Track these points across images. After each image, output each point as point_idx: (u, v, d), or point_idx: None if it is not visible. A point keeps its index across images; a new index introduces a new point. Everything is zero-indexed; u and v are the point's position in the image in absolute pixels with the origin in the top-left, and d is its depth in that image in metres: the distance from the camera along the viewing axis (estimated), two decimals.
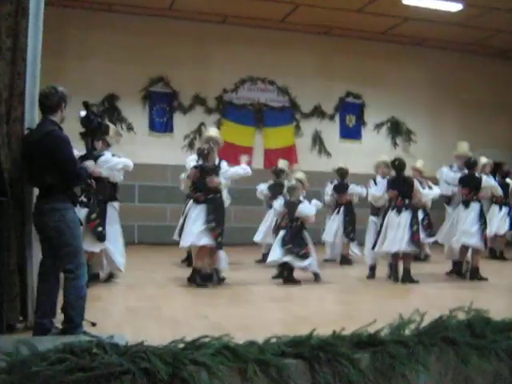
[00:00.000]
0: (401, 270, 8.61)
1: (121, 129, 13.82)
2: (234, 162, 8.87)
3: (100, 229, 7.21)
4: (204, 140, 8.64)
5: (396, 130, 16.13)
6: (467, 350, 3.98)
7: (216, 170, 8.10)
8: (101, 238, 7.26)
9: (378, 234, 8.65)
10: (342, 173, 10.98)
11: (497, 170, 11.91)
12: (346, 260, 10.74)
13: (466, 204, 9.03)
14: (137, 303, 6.58)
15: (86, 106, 4.90)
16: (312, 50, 15.18)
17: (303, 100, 15.43)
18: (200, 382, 3.28)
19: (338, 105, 15.86)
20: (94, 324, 5.06)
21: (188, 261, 9.45)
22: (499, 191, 9.60)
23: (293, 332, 3.87)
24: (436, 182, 10.08)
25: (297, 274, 8.38)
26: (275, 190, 10.07)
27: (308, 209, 8.46)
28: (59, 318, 4.72)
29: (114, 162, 7.54)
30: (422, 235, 9.24)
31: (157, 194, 13.82)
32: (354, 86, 15.75)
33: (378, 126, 16.13)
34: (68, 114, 4.77)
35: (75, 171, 4.58)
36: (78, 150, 5.53)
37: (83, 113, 4.88)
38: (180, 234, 8.36)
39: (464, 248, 9.03)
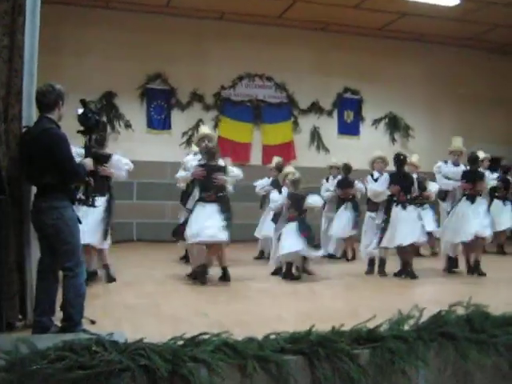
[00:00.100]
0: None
1: (119, 126, 13.82)
2: (233, 158, 8.89)
3: None
4: (198, 138, 8.59)
5: (394, 125, 16.11)
6: (466, 344, 3.99)
7: (223, 168, 8.17)
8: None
9: (383, 229, 8.63)
10: (347, 168, 11.09)
11: (495, 164, 11.92)
12: (354, 256, 10.85)
13: (472, 199, 9.01)
14: (136, 300, 6.58)
15: (84, 103, 4.89)
16: (309, 46, 15.15)
17: (301, 96, 15.40)
18: (200, 378, 3.29)
19: (335, 101, 15.84)
20: (93, 322, 5.06)
21: (186, 258, 9.45)
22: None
23: (292, 328, 3.88)
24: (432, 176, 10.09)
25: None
26: (279, 186, 10.00)
27: (317, 200, 8.81)
28: (58, 316, 4.72)
29: (124, 162, 7.72)
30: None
31: (155, 191, 13.79)
32: (351, 81, 15.73)
33: (376, 122, 16.11)
34: (65, 111, 4.76)
35: (73, 169, 4.57)
36: (75, 147, 5.54)
37: (81, 110, 4.86)
38: (180, 232, 8.26)
39: (468, 243, 9.01)
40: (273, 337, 3.73)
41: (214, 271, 8.26)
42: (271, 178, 10.55)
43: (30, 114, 4.90)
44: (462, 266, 9.23)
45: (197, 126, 13.96)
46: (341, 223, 10.74)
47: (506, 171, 12.11)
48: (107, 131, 7.77)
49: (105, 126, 5.04)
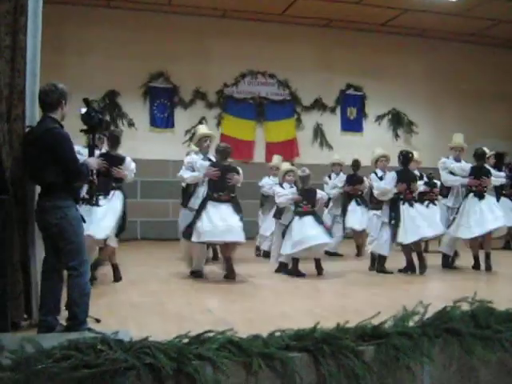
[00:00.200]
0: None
1: (122, 125, 13.83)
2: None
3: None
4: (199, 137, 8.45)
5: (397, 121, 16.11)
6: (471, 340, 3.99)
7: (235, 168, 8.22)
8: None
9: (395, 226, 8.62)
10: (356, 165, 11.19)
11: (499, 160, 11.87)
12: (360, 252, 10.92)
13: (479, 195, 9.02)
14: (140, 299, 6.59)
15: (87, 102, 4.89)
16: (312, 43, 15.15)
17: (304, 93, 15.40)
18: (205, 376, 3.29)
19: (338, 97, 15.84)
20: (98, 320, 5.07)
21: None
22: None
23: (297, 325, 3.88)
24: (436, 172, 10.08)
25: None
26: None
27: (324, 194, 9.19)
28: (63, 315, 4.73)
29: (133, 165, 7.87)
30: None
31: (159, 189, 13.82)
32: (354, 78, 15.72)
33: (380, 118, 16.10)
34: (68, 111, 4.77)
35: (76, 168, 4.58)
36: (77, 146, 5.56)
37: (84, 109, 4.87)
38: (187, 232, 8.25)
39: (476, 239, 9.04)
40: (277, 334, 3.73)
41: (219, 269, 8.29)
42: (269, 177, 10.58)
43: (33, 113, 4.91)
44: (458, 262, 9.25)
45: (200, 124, 13.96)
46: (357, 216, 10.71)
47: (511, 168, 12.08)
48: (121, 132, 7.93)
49: (108, 125, 5.04)
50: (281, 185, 9.10)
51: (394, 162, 9.37)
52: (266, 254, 10.14)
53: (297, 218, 8.50)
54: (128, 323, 5.25)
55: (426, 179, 10.56)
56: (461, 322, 4.08)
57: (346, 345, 3.68)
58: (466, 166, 9.21)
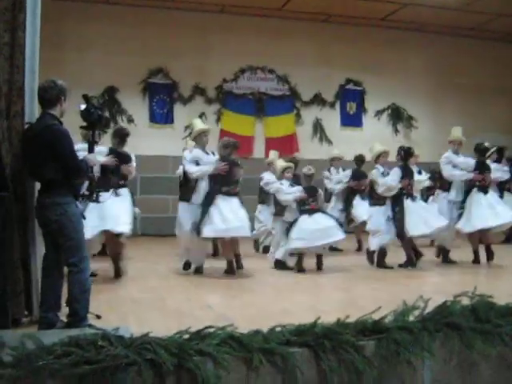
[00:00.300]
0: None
1: (121, 121, 13.82)
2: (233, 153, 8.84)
3: None
4: (199, 132, 8.30)
5: (397, 116, 16.09)
6: (471, 335, 3.99)
7: (239, 163, 8.32)
8: None
9: (399, 220, 8.65)
10: (361, 160, 11.26)
11: (499, 155, 11.87)
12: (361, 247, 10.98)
13: (484, 190, 9.06)
14: (141, 295, 6.60)
15: (86, 99, 4.89)
16: (311, 38, 15.12)
17: (303, 88, 15.39)
18: (206, 372, 3.30)
19: (338, 92, 15.82)
20: (98, 317, 5.08)
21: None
22: None
23: (297, 320, 3.88)
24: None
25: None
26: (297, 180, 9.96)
27: (321, 190, 9.20)
28: (64, 312, 4.73)
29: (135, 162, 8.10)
30: None
31: (158, 185, 13.81)
32: (353, 73, 15.70)
33: (379, 113, 16.09)
34: (68, 107, 4.76)
35: (75, 165, 4.57)
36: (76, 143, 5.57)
37: (83, 106, 4.86)
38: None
39: (478, 233, 9.06)
40: (278, 329, 3.74)
41: (219, 264, 8.29)
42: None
43: (32, 110, 4.90)
44: (455, 256, 9.25)
45: (195, 119, 13.93)
46: (364, 208, 10.63)
47: None
48: (127, 129, 8.13)
49: (108, 122, 5.03)
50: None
51: (393, 157, 9.37)
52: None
53: (305, 216, 8.47)
54: (128, 319, 5.26)
55: (429, 174, 10.60)
56: (461, 317, 4.09)
57: (347, 340, 3.69)
58: (470, 160, 9.21)
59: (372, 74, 15.51)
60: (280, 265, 8.63)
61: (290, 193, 8.61)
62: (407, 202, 8.75)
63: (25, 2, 4.84)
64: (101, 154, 7.58)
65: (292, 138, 15.18)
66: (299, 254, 8.45)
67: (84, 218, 4.82)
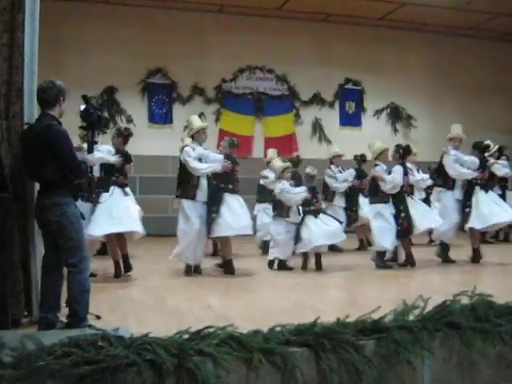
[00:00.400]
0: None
1: (120, 121, 13.82)
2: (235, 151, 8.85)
3: None
4: (198, 129, 8.21)
5: (396, 115, 16.10)
6: (471, 334, 4.00)
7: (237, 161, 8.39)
8: None
9: (405, 218, 8.69)
10: (363, 160, 11.30)
11: (499, 154, 11.90)
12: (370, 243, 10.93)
13: (485, 188, 9.15)
14: (141, 295, 6.60)
15: (86, 99, 4.88)
16: (310, 38, 15.14)
17: (302, 88, 15.40)
18: (206, 372, 3.30)
19: (337, 92, 15.84)
20: (98, 317, 5.08)
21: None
22: None
23: (297, 320, 3.88)
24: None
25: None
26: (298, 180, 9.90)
27: None
28: (64, 312, 4.73)
29: None
30: None
31: (158, 185, 13.81)
32: (352, 72, 15.71)
33: (378, 113, 16.10)
34: (67, 107, 4.76)
35: (74, 166, 4.56)
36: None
37: (82, 106, 4.86)
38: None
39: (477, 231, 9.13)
40: (278, 329, 3.74)
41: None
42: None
43: (31, 110, 4.90)
44: (454, 255, 9.25)
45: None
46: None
47: None
48: (130, 129, 8.22)
49: (107, 122, 5.02)
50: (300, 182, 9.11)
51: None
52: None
53: (311, 217, 8.50)
54: (128, 319, 5.26)
55: (429, 173, 10.59)
56: (461, 316, 4.09)
57: (347, 339, 3.69)
58: (475, 159, 9.22)
59: (371, 73, 15.52)
60: (281, 265, 8.63)
61: (298, 193, 8.59)
62: (409, 200, 8.87)
63: (23, 2, 4.83)
64: (110, 153, 7.65)
65: (291, 138, 15.19)
66: (304, 254, 8.46)
67: (83, 219, 4.81)
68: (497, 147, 11.15)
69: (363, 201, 10.82)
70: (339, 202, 11.18)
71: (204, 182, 8.08)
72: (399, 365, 3.81)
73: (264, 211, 10.21)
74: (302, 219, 8.50)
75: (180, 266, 8.35)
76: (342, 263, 9.23)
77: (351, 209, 11.02)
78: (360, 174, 11.15)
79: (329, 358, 3.63)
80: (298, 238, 8.41)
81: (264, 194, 10.24)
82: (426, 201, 10.77)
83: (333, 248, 10.59)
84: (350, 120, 15.95)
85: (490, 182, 9.49)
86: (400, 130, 16.08)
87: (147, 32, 13.85)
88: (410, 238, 8.86)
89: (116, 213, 7.43)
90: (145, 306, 6.03)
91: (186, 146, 8.15)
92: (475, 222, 8.97)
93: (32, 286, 4.94)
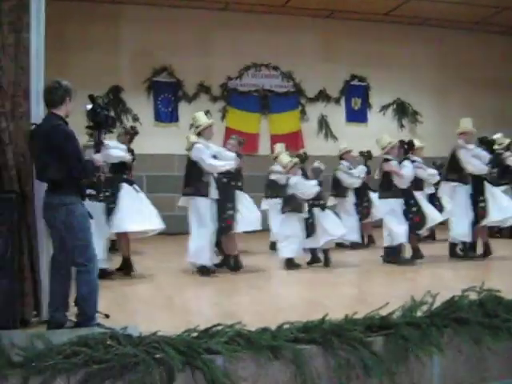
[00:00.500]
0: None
1: (126, 120, 13.83)
2: (241, 149, 8.86)
3: None
4: (206, 126, 8.13)
5: (402, 111, 16.06)
6: (480, 329, 4.00)
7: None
8: None
9: (416, 213, 8.74)
10: (370, 156, 11.32)
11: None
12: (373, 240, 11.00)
13: (492, 182, 9.30)
14: (148, 293, 6.62)
15: (92, 99, 4.89)
16: (315, 34, 15.11)
17: (308, 84, 15.37)
18: (214, 370, 3.31)
19: (343, 88, 15.80)
20: (107, 316, 5.09)
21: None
22: None
23: (305, 317, 3.89)
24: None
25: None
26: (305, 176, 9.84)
27: None
28: (73, 312, 4.75)
29: None
30: None
31: (164, 183, 13.82)
32: (358, 68, 15.67)
33: (384, 108, 16.06)
34: (73, 107, 4.77)
35: (81, 165, 4.57)
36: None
37: (89, 106, 4.87)
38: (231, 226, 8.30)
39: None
40: (286, 326, 3.75)
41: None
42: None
43: (38, 111, 4.91)
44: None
45: (198, 113, 13.91)
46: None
47: None
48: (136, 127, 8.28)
49: (114, 122, 5.03)
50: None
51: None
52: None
53: (319, 211, 8.53)
54: (136, 318, 5.27)
55: (435, 168, 10.57)
56: (469, 312, 4.09)
57: (355, 336, 3.69)
58: (486, 154, 9.21)
59: (376, 69, 15.48)
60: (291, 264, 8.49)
61: (314, 186, 8.55)
62: (417, 195, 8.94)
63: (29, 3, 4.85)
64: (123, 151, 7.70)
65: (297, 135, 15.17)
66: (313, 250, 8.52)
67: (91, 218, 4.82)
68: (508, 141, 11.12)
69: (374, 197, 10.77)
70: (351, 197, 11.12)
71: (213, 180, 8.05)
72: (408, 361, 3.80)
73: (276, 207, 10.10)
74: (311, 213, 8.50)
75: (186, 264, 8.35)
76: (350, 259, 9.23)
77: (362, 204, 10.98)
78: (368, 171, 11.14)
79: (337, 354, 3.63)
80: (309, 233, 8.41)
81: (275, 190, 10.01)
82: (434, 196, 10.77)
83: (341, 244, 10.58)
84: (356, 116, 15.92)
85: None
86: (406, 125, 16.03)
87: (152, 31, 13.85)
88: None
89: (142, 210, 7.73)
90: (153, 304, 6.04)
91: (197, 143, 8.00)
92: (495, 215, 8.96)
93: (41, 285, 4.96)
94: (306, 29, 14.99)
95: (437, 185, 10.71)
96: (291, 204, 8.51)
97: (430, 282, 7.33)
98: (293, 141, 14.44)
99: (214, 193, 7.95)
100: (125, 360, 3.18)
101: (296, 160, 8.84)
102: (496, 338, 4.01)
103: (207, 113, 13.93)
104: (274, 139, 14.65)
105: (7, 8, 4.78)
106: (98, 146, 4.97)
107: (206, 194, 7.90)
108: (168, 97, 14.54)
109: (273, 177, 10.12)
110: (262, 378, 3.50)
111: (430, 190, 10.61)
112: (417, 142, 10.61)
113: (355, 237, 10.56)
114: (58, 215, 4.53)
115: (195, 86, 14.60)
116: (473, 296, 4.30)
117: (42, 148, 4.52)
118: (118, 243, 8.18)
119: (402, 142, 9.17)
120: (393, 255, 8.67)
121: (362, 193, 11.02)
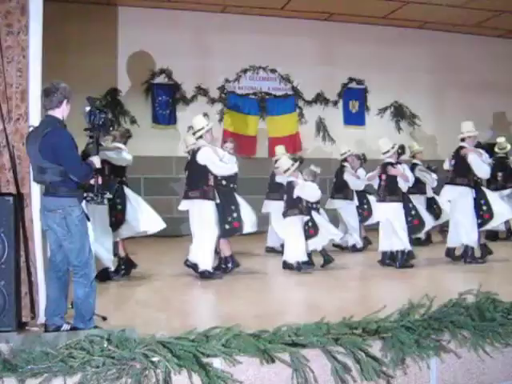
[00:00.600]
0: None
1: (124, 122, 13.82)
2: (239, 151, 8.89)
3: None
4: (208, 129, 8.06)
5: (399, 114, 16.07)
6: (477, 333, 3.99)
7: None
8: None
9: (417, 216, 8.89)
10: (365, 159, 11.27)
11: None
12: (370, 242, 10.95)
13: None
14: (146, 296, 6.62)
15: (90, 101, 4.89)
16: (313, 37, 15.11)
17: (306, 87, 15.36)
18: (212, 373, 3.30)
19: (340, 91, 15.80)
20: (104, 318, 5.09)
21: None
22: None
23: (303, 320, 3.89)
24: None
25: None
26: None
27: None
28: (70, 314, 4.75)
29: None
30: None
31: (162, 186, 13.83)
32: (356, 71, 15.67)
33: (382, 111, 16.07)
34: (71, 109, 4.77)
35: (79, 168, 4.57)
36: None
37: (87, 108, 4.87)
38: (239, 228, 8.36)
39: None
40: (284, 329, 3.74)
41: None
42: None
43: (35, 113, 4.92)
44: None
45: (199, 116, 13.91)
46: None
47: None
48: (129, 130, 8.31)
49: (113, 124, 5.01)
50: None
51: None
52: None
53: (316, 213, 8.63)
54: (134, 320, 5.26)
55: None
56: (466, 315, 4.09)
57: (352, 339, 3.69)
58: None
59: (374, 72, 15.48)
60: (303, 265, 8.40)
61: (316, 189, 8.62)
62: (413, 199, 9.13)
63: (27, 5, 4.85)
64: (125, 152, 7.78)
65: (295, 138, 15.15)
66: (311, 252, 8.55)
67: (88, 220, 4.82)
68: (510, 146, 11.21)
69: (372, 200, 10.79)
70: (355, 200, 11.11)
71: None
72: (405, 364, 3.80)
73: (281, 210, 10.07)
74: (311, 216, 8.52)
75: (184, 267, 8.35)
76: (347, 262, 9.22)
77: (362, 207, 10.97)
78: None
79: (334, 357, 3.63)
80: (310, 235, 8.42)
81: (281, 192, 9.82)
82: (432, 199, 10.81)
83: (339, 246, 10.59)
84: (354, 119, 15.91)
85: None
86: (404, 128, 16.04)
87: (150, 33, 13.84)
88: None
89: (147, 210, 7.95)
90: (150, 306, 6.04)
91: (205, 146, 7.93)
92: (500, 218, 9.05)
93: (38, 288, 4.96)
94: (304, 31, 15.00)
95: (433, 189, 10.78)
96: (298, 207, 8.46)
97: (428, 285, 7.34)
98: (291, 143, 14.45)
99: (217, 196, 7.98)
100: (122, 363, 3.18)
101: (297, 164, 8.82)
102: (493, 342, 4.01)
103: (205, 115, 13.96)
104: (272, 142, 14.65)
105: (5, 10, 4.79)
106: (97, 149, 4.97)
107: (213, 198, 7.90)
108: (166, 99, 14.52)
109: (279, 179, 10.01)
110: (259, 381, 3.50)
111: (430, 193, 10.69)
112: (416, 146, 10.66)
113: (357, 240, 10.58)
114: (55, 218, 4.53)
115: (193, 88, 14.60)
116: (470, 299, 4.30)
117: (40, 150, 4.52)
118: (115, 245, 8.22)
119: (357, 156, 9.38)
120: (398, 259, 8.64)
121: (361, 195, 11.03)
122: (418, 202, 10.41)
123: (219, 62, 14.50)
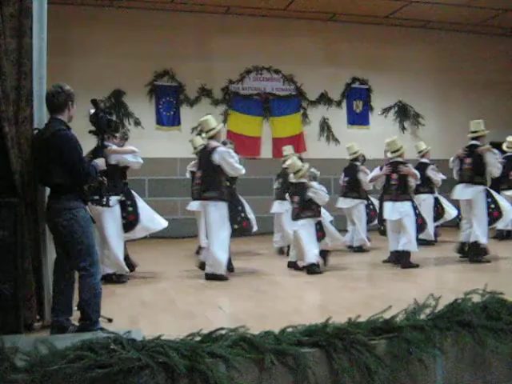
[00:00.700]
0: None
1: (128, 124, 13.85)
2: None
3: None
4: (218, 130, 8.08)
5: (403, 114, 16.06)
6: (483, 332, 3.98)
7: None
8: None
9: (420, 215, 8.84)
10: (365, 159, 11.19)
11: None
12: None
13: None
14: (151, 297, 6.61)
15: (95, 103, 4.90)
16: (316, 37, 15.12)
17: (309, 88, 15.38)
18: (218, 374, 3.30)
19: (344, 91, 15.81)
20: (110, 320, 5.10)
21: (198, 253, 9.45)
22: None
23: (308, 321, 3.89)
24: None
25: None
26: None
27: None
28: (76, 316, 4.76)
29: None
30: None
31: (166, 187, 13.85)
32: (359, 71, 15.69)
33: (386, 111, 16.06)
34: (76, 112, 4.78)
35: (84, 170, 4.58)
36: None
37: (92, 111, 4.88)
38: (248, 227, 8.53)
39: None
40: (289, 330, 3.74)
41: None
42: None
43: (40, 116, 4.93)
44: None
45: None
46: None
47: None
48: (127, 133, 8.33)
49: (117, 126, 5.02)
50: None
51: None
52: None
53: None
54: (140, 322, 5.28)
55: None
56: (472, 314, 4.08)
57: (358, 339, 3.69)
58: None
59: (378, 72, 15.49)
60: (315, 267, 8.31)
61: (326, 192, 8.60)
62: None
63: (31, 7, 4.86)
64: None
65: (299, 138, 15.17)
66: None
67: (94, 222, 4.83)
68: None
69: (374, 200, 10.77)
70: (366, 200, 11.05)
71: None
72: (411, 364, 3.79)
73: None
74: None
75: (189, 268, 8.36)
76: (352, 262, 9.22)
77: (368, 207, 10.92)
78: None
79: (340, 358, 3.62)
80: (320, 237, 8.39)
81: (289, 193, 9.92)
82: (436, 199, 10.80)
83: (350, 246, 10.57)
84: (358, 119, 15.92)
85: None
86: (408, 128, 16.03)
87: (154, 34, 13.87)
88: None
89: (151, 210, 7.97)
90: (156, 308, 6.04)
91: (219, 146, 7.85)
92: (509, 216, 9.17)
93: (44, 290, 4.97)
94: (307, 32, 15.01)
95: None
96: (312, 208, 8.39)
97: (433, 285, 7.33)
98: (294, 144, 14.38)
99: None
100: (128, 364, 3.18)
101: (308, 166, 8.72)
102: (499, 341, 4.00)
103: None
104: (277, 143, 14.69)
105: (9, 13, 4.80)
106: (101, 151, 4.98)
107: (228, 199, 7.89)
108: (170, 100, 14.56)
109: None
110: (265, 382, 3.50)
111: (437, 192, 10.75)
112: (423, 145, 10.65)
113: (365, 240, 10.55)
114: (60, 220, 4.54)
115: (197, 89, 14.62)
116: (476, 298, 4.30)
117: (45, 153, 4.53)
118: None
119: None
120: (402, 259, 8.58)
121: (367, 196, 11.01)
122: (428, 201, 10.44)
123: (223, 62, 14.53)
